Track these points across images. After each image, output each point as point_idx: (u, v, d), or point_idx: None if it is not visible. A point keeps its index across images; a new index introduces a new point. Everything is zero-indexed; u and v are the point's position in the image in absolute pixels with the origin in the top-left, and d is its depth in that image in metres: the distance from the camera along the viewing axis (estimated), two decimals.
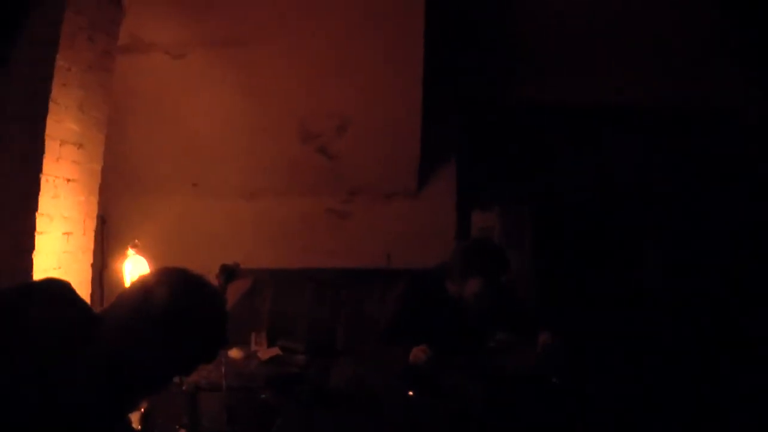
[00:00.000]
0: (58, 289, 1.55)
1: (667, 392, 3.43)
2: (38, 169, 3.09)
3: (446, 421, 2.48)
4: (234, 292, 4.45)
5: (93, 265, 3.95)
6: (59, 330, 1.43)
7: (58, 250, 3.29)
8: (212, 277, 4.49)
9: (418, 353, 2.76)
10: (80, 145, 3.40)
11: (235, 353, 3.99)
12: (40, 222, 3.12)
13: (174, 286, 1.58)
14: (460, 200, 4.78)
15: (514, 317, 3.13)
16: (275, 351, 4.03)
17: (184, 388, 2.99)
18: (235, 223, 4.82)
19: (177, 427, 2.71)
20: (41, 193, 3.11)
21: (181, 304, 1.54)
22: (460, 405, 2.58)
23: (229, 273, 4.57)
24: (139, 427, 2.10)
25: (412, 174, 4.63)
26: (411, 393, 2.72)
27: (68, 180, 3.33)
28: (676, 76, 4.49)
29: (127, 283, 3.52)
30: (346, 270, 4.62)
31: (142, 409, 2.21)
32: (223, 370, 3.39)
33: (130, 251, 3.54)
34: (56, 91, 3.13)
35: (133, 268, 3.48)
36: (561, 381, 2.75)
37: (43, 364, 1.36)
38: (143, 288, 1.58)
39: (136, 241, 3.62)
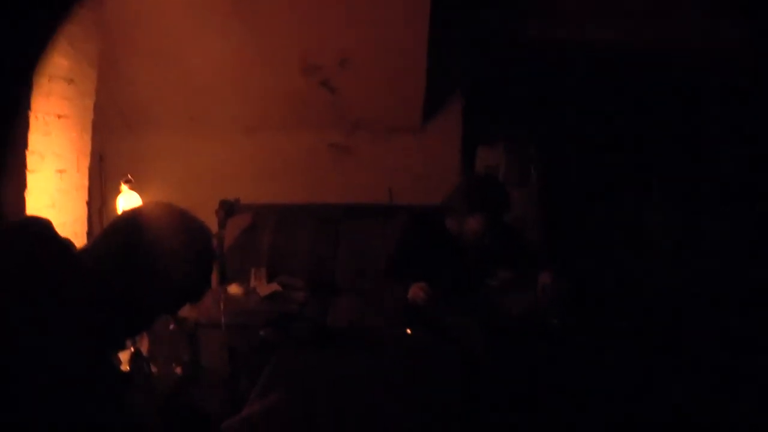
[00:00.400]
0: (36, 227, 1.50)
1: (668, 334, 3.43)
2: (27, 106, 3.02)
3: (444, 359, 2.45)
4: (234, 228, 4.43)
5: (91, 203, 3.93)
6: (37, 268, 1.38)
7: (52, 189, 3.25)
8: (212, 213, 4.50)
9: (417, 291, 2.73)
10: (71, 81, 3.32)
11: (234, 289, 3.96)
12: (32, 160, 3.07)
13: (158, 220, 1.55)
14: (465, 136, 4.67)
15: (515, 255, 3.09)
16: (275, 287, 3.99)
17: (180, 326, 2.98)
18: (235, 158, 4.75)
19: (173, 365, 2.70)
20: (31, 131, 3.05)
21: (165, 236, 1.51)
22: (458, 344, 2.55)
23: (229, 208, 4.57)
24: (128, 368, 2.07)
25: (416, 109, 4.51)
26: (409, 331, 2.70)
27: (59, 116, 3.27)
28: (686, 16, 4.32)
29: None
30: (347, 205, 4.55)
31: (132, 349, 2.18)
32: (222, 306, 3.37)
33: (123, 187, 3.49)
34: None
35: (127, 203, 3.44)
36: (560, 321, 2.72)
37: (22, 303, 1.31)
38: (127, 221, 1.56)
39: (129, 176, 3.57)
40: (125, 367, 2.08)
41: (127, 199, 3.45)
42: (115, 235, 1.52)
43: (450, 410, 1.96)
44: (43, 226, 1.48)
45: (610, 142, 4.66)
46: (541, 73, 4.57)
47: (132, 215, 1.59)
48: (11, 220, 3.02)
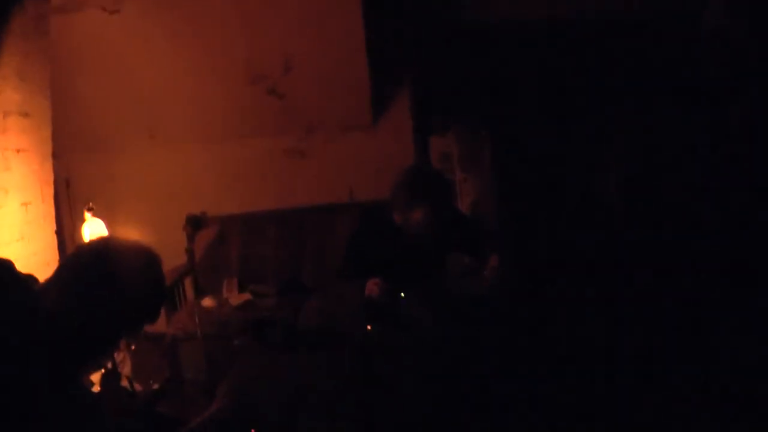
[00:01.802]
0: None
1: (621, 314, 3.55)
2: None
3: (402, 352, 2.59)
4: (202, 241, 4.52)
5: (62, 229, 4.01)
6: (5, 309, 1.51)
7: (20, 221, 3.34)
8: (179, 228, 4.59)
9: (371, 286, 2.83)
10: (26, 114, 3.40)
11: (207, 302, 4.08)
12: None
13: (113, 250, 1.68)
14: (417, 127, 4.78)
15: (467, 240, 3.13)
16: (246, 296, 4.12)
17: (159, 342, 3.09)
18: (196, 171, 4.84)
19: (150, 381, 2.81)
20: None
21: (121, 265, 1.62)
22: (414, 335, 2.68)
23: (196, 222, 4.63)
24: (98, 388, 2.19)
25: (365, 106, 4.63)
26: (369, 327, 2.82)
27: (18, 150, 3.35)
28: None
29: None
30: (310, 208, 4.67)
31: (103, 370, 2.30)
32: (197, 319, 3.49)
33: (87, 215, 3.57)
34: None
35: (92, 230, 3.52)
36: (509, 303, 2.84)
37: None
38: (83, 255, 1.69)
39: (91, 204, 3.65)
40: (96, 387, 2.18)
41: (92, 226, 3.53)
42: (74, 269, 1.64)
43: (407, 402, 2.11)
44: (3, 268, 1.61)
45: (560, 118, 4.74)
46: (482, 56, 4.66)
47: (88, 248, 1.73)
48: None
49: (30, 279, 1.70)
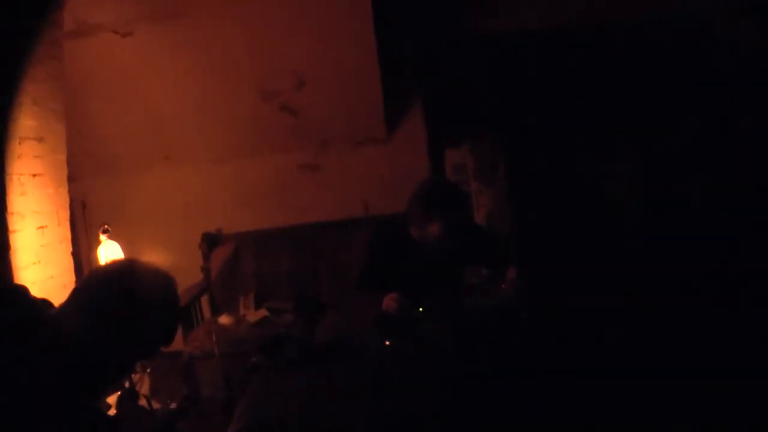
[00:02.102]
0: (11, 292, 1.63)
1: (639, 329, 3.49)
2: (1, 170, 3.13)
3: (421, 369, 2.56)
4: (218, 259, 4.54)
5: (79, 251, 4.03)
6: (19, 334, 1.52)
7: (36, 245, 3.35)
8: (195, 246, 4.62)
9: (389, 302, 2.79)
10: (41, 139, 3.43)
11: (224, 319, 4.08)
12: (13, 221, 3.18)
13: (129, 275, 1.66)
14: (431, 140, 4.78)
15: (484, 253, 3.07)
16: (263, 313, 4.11)
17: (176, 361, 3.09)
18: (211, 190, 4.88)
19: (168, 401, 2.82)
20: (9, 193, 3.16)
21: (136, 289, 1.62)
22: (432, 352, 2.65)
23: (211, 240, 4.69)
24: (114, 411, 2.18)
25: (378, 120, 4.63)
26: (387, 342, 2.79)
27: (34, 175, 3.37)
28: None
29: None
30: (325, 223, 4.66)
31: (119, 392, 2.30)
32: (214, 338, 3.49)
33: (102, 237, 3.59)
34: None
35: (107, 252, 3.54)
36: (529, 317, 2.81)
37: (5, 368, 1.44)
38: (98, 279, 1.67)
39: (106, 226, 3.67)
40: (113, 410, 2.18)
41: (107, 249, 3.55)
42: (90, 292, 1.63)
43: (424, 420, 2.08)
44: (14, 294, 1.62)
45: (575, 128, 4.70)
46: (496, 67, 4.65)
47: (103, 272, 1.73)
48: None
49: (45, 303, 1.70)
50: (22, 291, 1.65)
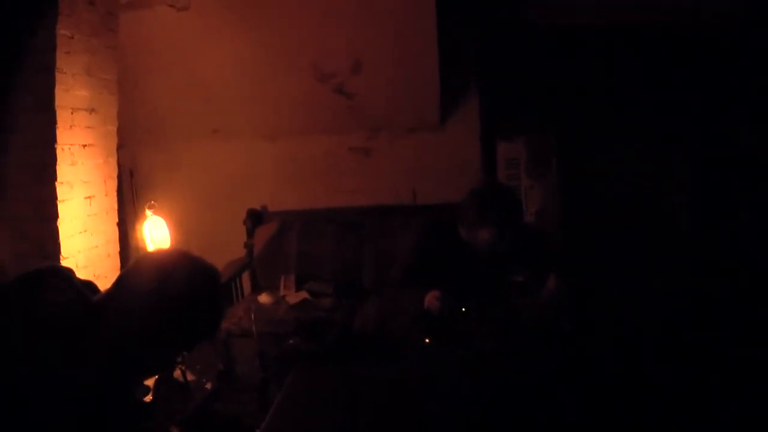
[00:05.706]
0: (57, 276, 1.62)
1: (684, 341, 3.38)
2: (53, 140, 3.16)
3: (460, 369, 2.51)
4: (262, 236, 4.53)
5: (126, 219, 4.06)
6: (62, 321, 1.50)
7: (83, 215, 3.40)
8: (240, 222, 4.62)
9: (431, 299, 2.76)
10: (92, 110, 3.45)
11: (264, 298, 4.06)
12: (61, 190, 3.23)
13: (174, 267, 1.63)
14: (484, 131, 4.65)
15: (532, 257, 3.03)
16: (303, 295, 4.09)
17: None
18: (259, 166, 4.84)
19: (203, 380, 2.80)
20: (59, 163, 3.20)
21: (182, 281, 1.60)
22: (473, 353, 2.60)
23: (256, 217, 4.68)
24: (150, 397, 2.17)
25: (433, 107, 4.53)
26: (427, 340, 2.76)
27: (84, 146, 3.40)
28: None
29: (148, 245, 3.62)
30: (371, 207, 4.61)
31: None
32: (252, 316, 3.47)
33: (148, 212, 3.59)
34: (61, 61, 3.17)
35: (152, 229, 3.54)
36: (571, 327, 2.74)
37: (48, 356, 1.44)
38: (140, 272, 1.64)
39: (153, 201, 3.67)
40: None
41: (152, 224, 3.56)
42: (134, 282, 1.60)
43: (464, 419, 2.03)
44: (64, 276, 1.60)
45: (629, 124, 4.56)
46: (553, 61, 4.52)
47: (149, 262, 1.70)
48: (48, 248, 3.20)
49: (89, 287, 1.68)
50: (68, 275, 1.63)
